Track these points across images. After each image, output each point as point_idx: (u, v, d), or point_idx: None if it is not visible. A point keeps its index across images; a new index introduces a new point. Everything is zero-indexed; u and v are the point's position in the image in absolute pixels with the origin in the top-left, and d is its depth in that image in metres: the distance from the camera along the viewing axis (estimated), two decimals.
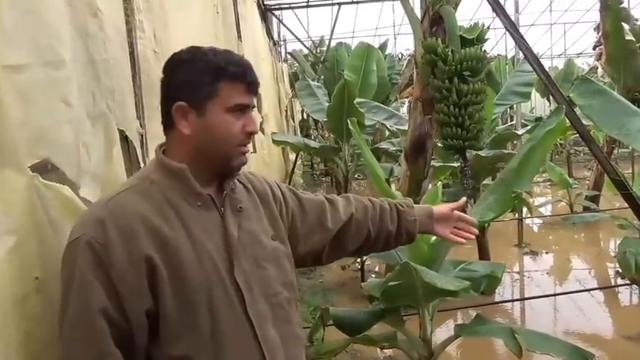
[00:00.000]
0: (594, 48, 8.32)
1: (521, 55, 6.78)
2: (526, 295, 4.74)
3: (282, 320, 1.05)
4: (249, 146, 1.06)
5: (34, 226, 0.92)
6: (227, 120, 1.02)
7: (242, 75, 1.02)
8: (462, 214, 1.44)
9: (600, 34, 6.09)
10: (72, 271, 0.90)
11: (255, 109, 1.14)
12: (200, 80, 1.01)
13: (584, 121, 3.04)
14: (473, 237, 1.45)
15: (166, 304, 0.92)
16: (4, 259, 0.82)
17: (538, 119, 9.53)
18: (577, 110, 2.96)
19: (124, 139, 1.47)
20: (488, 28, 3.44)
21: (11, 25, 0.90)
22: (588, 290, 4.57)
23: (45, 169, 1.01)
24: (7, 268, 0.83)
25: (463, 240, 1.43)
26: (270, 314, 1.03)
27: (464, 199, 1.48)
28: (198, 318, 0.95)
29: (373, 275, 4.95)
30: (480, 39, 3.27)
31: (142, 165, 1.52)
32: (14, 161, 0.87)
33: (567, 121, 2.51)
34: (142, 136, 1.58)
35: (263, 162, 4.87)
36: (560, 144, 11.68)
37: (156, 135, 1.64)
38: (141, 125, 1.59)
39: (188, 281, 0.94)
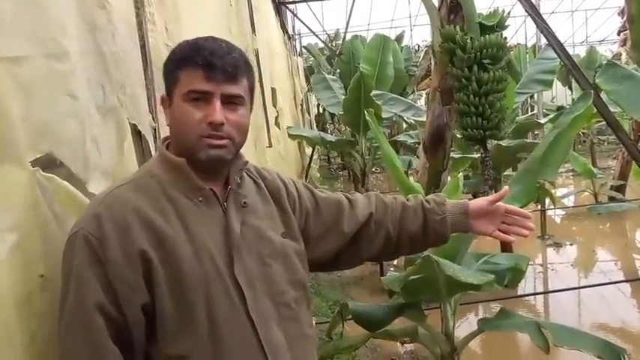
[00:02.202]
0: (619, 33, 8.09)
1: (542, 42, 6.61)
2: (550, 288, 4.63)
3: (289, 320, 1.00)
4: (226, 141, 0.96)
5: (38, 222, 0.89)
6: (184, 109, 0.96)
7: (196, 60, 0.95)
8: (511, 206, 1.24)
9: (625, 18, 5.89)
10: (69, 267, 0.88)
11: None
12: (168, 69, 1.00)
13: (610, 108, 2.94)
14: (528, 233, 1.22)
15: (162, 301, 0.90)
16: (6, 257, 0.80)
17: (560, 108, 9.31)
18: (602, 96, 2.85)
19: (137, 133, 1.45)
20: (508, 13, 3.33)
21: (10, 15, 0.88)
22: (615, 283, 4.44)
23: (53, 164, 0.98)
24: (10, 267, 0.80)
25: (512, 238, 1.22)
26: (274, 313, 0.98)
27: (506, 187, 1.27)
28: (196, 316, 0.91)
29: (392, 269, 4.89)
30: (501, 25, 3.17)
31: None
32: (15, 156, 0.84)
33: (593, 107, 2.41)
34: (154, 130, 1.56)
35: (279, 156, 4.85)
36: (583, 133, 11.39)
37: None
38: (153, 119, 1.57)
39: (184, 278, 0.91)
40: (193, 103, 0.96)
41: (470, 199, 1.29)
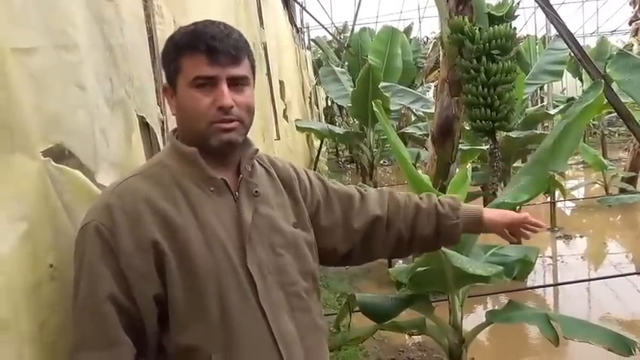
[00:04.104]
0: (630, 23, 7.96)
1: (552, 33, 6.53)
2: (559, 281, 4.60)
3: (300, 310, 1.00)
4: (236, 123, 0.97)
5: (48, 211, 0.90)
6: (191, 96, 0.96)
7: (197, 44, 0.94)
8: (519, 218, 1.26)
9: (637, 8, 5.81)
10: (81, 258, 0.89)
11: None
12: (169, 58, 0.99)
13: (621, 98, 2.90)
14: (529, 237, 1.30)
15: (174, 291, 0.90)
16: (16, 246, 0.80)
17: (570, 100, 9.20)
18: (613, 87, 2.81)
19: (145, 125, 1.45)
20: (518, 4, 3.29)
21: (21, 7, 0.88)
22: (625, 275, 4.40)
23: (63, 155, 0.99)
24: (19, 256, 0.81)
25: (515, 240, 1.32)
26: (285, 304, 0.98)
27: (526, 214, 1.28)
28: (207, 306, 0.91)
29: (400, 261, 4.88)
30: (510, 16, 3.13)
31: None
32: (25, 146, 0.85)
33: (604, 97, 2.38)
34: (162, 122, 1.57)
35: (287, 149, 4.85)
36: (594, 124, 11.25)
37: None
38: (161, 111, 1.58)
39: (196, 269, 0.91)
40: (199, 90, 0.95)
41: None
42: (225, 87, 0.95)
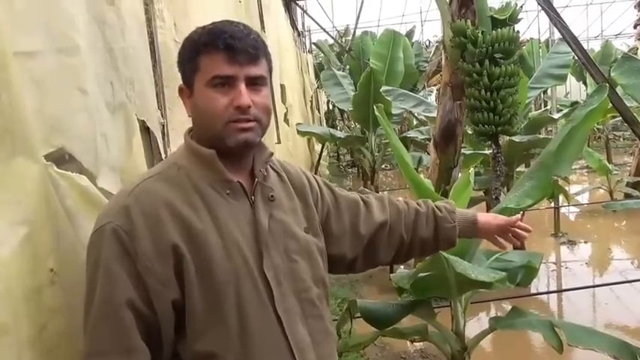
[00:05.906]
0: (635, 27, 7.94)
1: (555, 36, 6.51)
2: (563, 287, 4.57)
3: (313, 316, 1.00)
4: (253, 123, 0.96)
5: (49, 216, 0.89)
6: (208, 95, 0.94)
7: (217, 44, 0.93)
8: (511, 219, 1.33)
9: None
10: (97, 261, 0.86)
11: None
12: (186, 57, 0.98)
13: (626, 102, 2.88)
14: (518, 243, 1.39)
15: (193, 297, 0.88)
16: (16, 250, 0.79)
17: (574, 104, 9.18)
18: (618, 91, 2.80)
19: (145, 129, 1.45)
20: (521, 7, 3.29)
21: (23, 10, 0.88)
22: (631, 282, 4.36)
23: (63, 159, 0.98)
24: (19, 260, 0.80)
25: (507, 246, 1.37)
26: (299, 310, 0.97)
27: (517, 216, 1.37)
28: (225, 312, 0.90)
29: (402, 267, 4.86)
30: (513, 19, 3.13)
31: (163, 156, 1.50)
32: (27, 150, 0.84)
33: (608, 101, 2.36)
34: (163, 126, 1.56)
35: (288, 153, 4.84)
36: (598, 129, 11.22)
37: (178, 125, 1.62)
38: (162, 115, 1.57)
39: (215, 274, 0.90)
40: (217, 89, 0.94)
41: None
42: (243, 86, 0.94)
